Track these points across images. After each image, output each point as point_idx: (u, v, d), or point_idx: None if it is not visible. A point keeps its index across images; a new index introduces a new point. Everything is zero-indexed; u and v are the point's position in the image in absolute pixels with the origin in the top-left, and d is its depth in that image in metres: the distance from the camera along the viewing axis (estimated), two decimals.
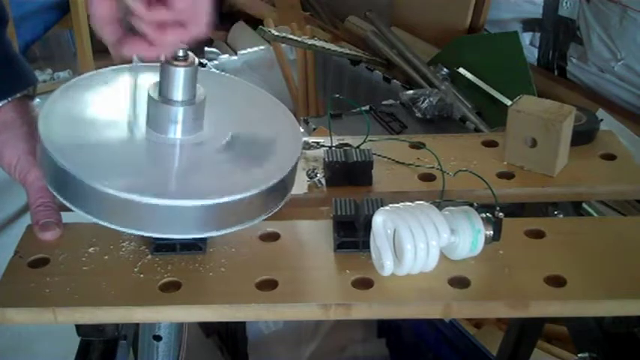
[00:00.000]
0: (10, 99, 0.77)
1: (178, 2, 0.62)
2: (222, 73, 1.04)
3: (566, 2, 2.01)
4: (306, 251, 0.73)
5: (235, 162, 0.73)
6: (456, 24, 2.25)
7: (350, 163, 0.82)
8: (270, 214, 0.72)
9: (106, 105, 0.75)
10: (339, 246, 0.71)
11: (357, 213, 0.71)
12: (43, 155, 0.70)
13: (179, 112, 0.71)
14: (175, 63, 0.69)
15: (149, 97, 0.71)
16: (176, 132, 0.72)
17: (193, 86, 0.71)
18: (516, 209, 0.89)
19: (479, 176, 0.77)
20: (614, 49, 1.91)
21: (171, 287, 0.68)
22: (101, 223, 0.67)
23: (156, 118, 0.72)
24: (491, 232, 0.69)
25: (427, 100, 1.86)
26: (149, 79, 0.74)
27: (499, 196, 0.75)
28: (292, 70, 2.42)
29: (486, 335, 1.41)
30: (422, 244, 0.65)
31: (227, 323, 1.61)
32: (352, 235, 0.71)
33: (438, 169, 0.82)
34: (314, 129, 1.82)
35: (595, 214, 1.43)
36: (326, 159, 0.83)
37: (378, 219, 0.67)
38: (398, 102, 1.93)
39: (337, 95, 2.02)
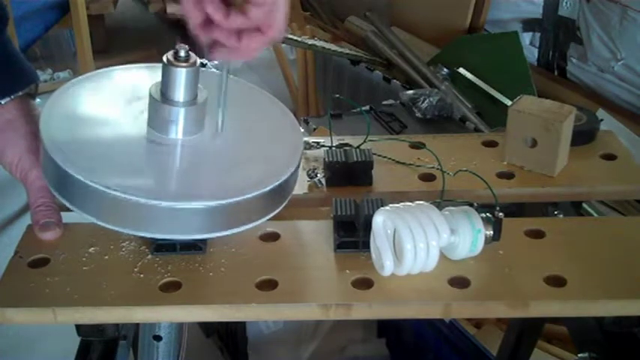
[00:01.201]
0: (12, 96, 0.77)
1: (255, 11, 0.64)
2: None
3: (566, 2, 2.01)
4: (306, 251, 0.73)
5: (236, 163, 0.73)
6: (456, 24, 2.25)
7: (350, 163, 0.82)
8: (272, 215, 0.72)
9: (107, 105, 0.75)
10: (339, 246, 0.71)
11: (357, 213, 0.71)
12: (44, 155, 0.70)
13: (180, 113, 0.71)
14: (177, 63, 0.69)
15: (151, 97, 0.71)
16: (177, 132, 0.72)
17: (195, 87, 0.71)
18: (516, 209, 0.89)
19: (479, 176, 0.77)
20: (614, 49, 1.90)
21: (171, 287, 0.68)
22: (102, 224, 0.67)
23: (157, 119, 0.72)
24: (491, 232, 0.69)
25: (427, 100, 1.86)
26: (150, 79, 0.74)
27: (499, 196, 0.75)
28: (292, 70, 2.42)
29: (486, 335, 1.41)
30: (422, 244, 0.65)
31: (227, 323, 1.61)
32: (352, 235, 0.71)
33: (438, 169, 0.82)
34: (314, 129, 1.82)
35: (595, 214, 1.43)
36: (326, 159, 0.83)
37: (378, 219, 0.67)
38: (398, 102, 1.93)
39: (337, 95, 2.02)
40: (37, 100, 0.81)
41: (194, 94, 0.71)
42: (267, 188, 0.69)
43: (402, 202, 0.68)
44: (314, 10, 2.78)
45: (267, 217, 0.72)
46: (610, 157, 0.88)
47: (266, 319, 1.32)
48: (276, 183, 0.70)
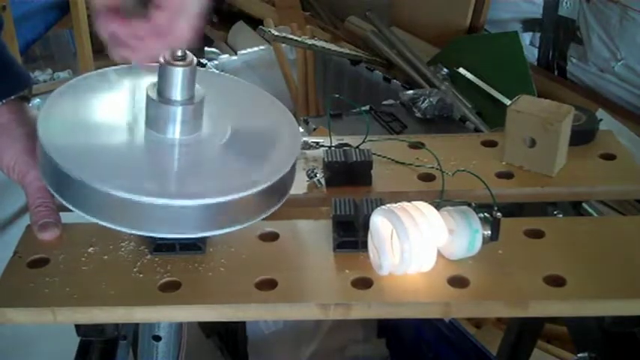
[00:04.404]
0: (4, 101, 0.78)
1: (158, 18, 0.64)
2: (222, 73, 1.04)
3: (566, 2, 2.01)
4: (306, 251, 0.73)
5: (234, 162, 0.73)
6: (456, 24, 2.25)
7: (350, 163, 0.82)
8: (269, 214, 0.72)
9: (106, 105, 0.75)
10: (339, 246, 0.71)
11: (356, 213, 0.71)
12: (42, 155, 0.70)
13: (178, 112, 0.71)
14: (174, 63, 0.69)
15: (148, 97, 0.71)
16: (175, 132, 0.72)
17: (192, 86, 0.71)
18: (515, 209, 0.89)
19: (477, 176, 0.77)
20: (614, 49, 1.91)
21: (171, 287, 0.68)
22: (101, 223, 0.67)
23: (155, 118, 0.72)
24: (489, 232, 0.69)
25: (427, 100, 1.86)
26: (149, 79, 0.74)
27: (498, 196, 0.75)
28: (292, 70, 2.42)
29: (486, 335, 1.41)
30: (419, 244, 0.64)
31: (227, 323, 1.61)
32: (351, 234, 0.71)
33: (437, 169, 0.82)
34: (314, 129, 1.82)
35: (595, 214, 1.43)
36: (326, 159, 0.83)
37: (376, 219, 0.67)
38: (398, 102, 1.93)
39: (337, 95, 2.02)
40: (37, 100, 0.81)
41: (191, 93, 0.71)
42: (265, 186, 0.69)
43: (401, 202, 0.68)
44: (314, 10, 2.78)
45: (265, 215, 0.72)
46: (609, 157, 0.88)
47: (266, 318, 1.32)
48: (273, 181, 0.70)
